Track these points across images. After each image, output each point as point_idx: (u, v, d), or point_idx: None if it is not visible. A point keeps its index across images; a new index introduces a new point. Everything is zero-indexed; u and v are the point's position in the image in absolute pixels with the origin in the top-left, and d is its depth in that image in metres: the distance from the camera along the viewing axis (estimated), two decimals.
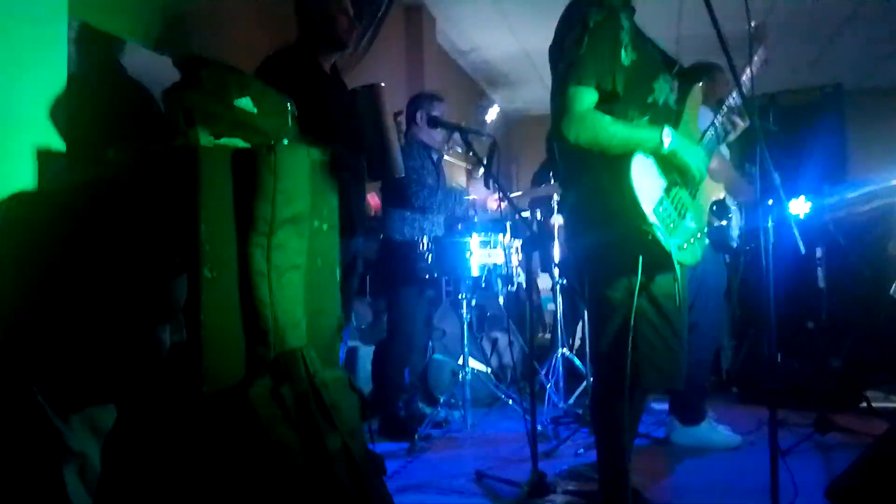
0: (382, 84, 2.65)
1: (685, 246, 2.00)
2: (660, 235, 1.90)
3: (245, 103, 2.06)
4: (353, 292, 3.10)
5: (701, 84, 2.19)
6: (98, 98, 2.42)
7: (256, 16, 3.59)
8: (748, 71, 2.21)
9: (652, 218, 1.90)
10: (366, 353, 4.21)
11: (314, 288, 2.24)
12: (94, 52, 2.52)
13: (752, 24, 2.10)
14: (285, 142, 2.13)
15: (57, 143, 2.09)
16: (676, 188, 2.03)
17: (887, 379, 4.48)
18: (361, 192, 2.99)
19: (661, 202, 1.96)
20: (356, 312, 4.64)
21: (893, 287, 4.16)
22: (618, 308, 2.00)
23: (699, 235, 2.08)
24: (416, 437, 3.41)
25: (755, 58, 2.38)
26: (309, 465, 1.89)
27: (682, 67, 2.22)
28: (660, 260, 1.93)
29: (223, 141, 1.95)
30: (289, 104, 2.22)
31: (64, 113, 2.12)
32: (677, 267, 1.95)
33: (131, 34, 2.74)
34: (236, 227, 1.95)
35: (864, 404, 3.96)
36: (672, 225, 1.97)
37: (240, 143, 2.00)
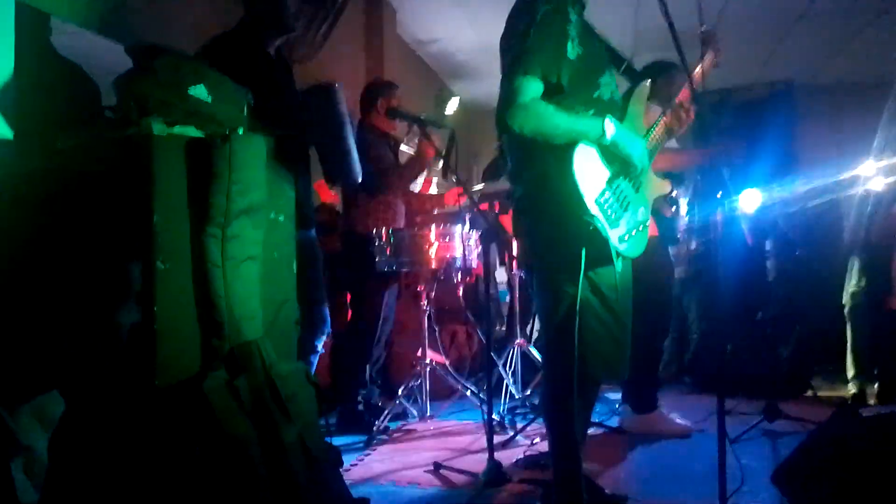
0: (338, 83, 2.61)
1: (627, 237, 2.03)
2: (601, 226, 1.93)
3: (200, 92, 2.03)
4: (319, 285, 3.03)
5: (649, 82, 2.23)
6: (40, 84, 2.34)
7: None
8: (697, 72, 2.26)
9: (593, 208, 1.93)
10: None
11: (271, 279, 2.22)
12: (32, 34, 2.41)
13: (702, 28, 2.14)
14: (241, 131, 2.11)
15: (4, 132, 2.03)
16: (620, 180, 2.06)
17: (832, 368, 4.64)
18: (309, 182, 2.95)
19: (603, 193, 1.99)
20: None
21: (846, 297, 4.29)
22: (564, 300, 2.03)
23: (641, 228, 2.11)
24: (374, 429, 3.42)
25: (704, 61, 2.44)
26: (265, 457, 1.88)
27: (631, 65, 2.26)
28: (602, 251, 1.97)
29: (177, 130, 1.92)
30: (245, 93, 2.19)
31: (11, 100, 2.06)
32: (617, 258, 1.98)
33: (72, 17, 2.63)
34: (191, 217, 1.92)
35: (811, 393, 4.10)
36: (614, 216, 2.00)
37: (194, 132, 1.97)
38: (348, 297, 4.06)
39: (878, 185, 4.04)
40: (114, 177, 1.81)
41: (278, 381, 2.05)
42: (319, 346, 2.97)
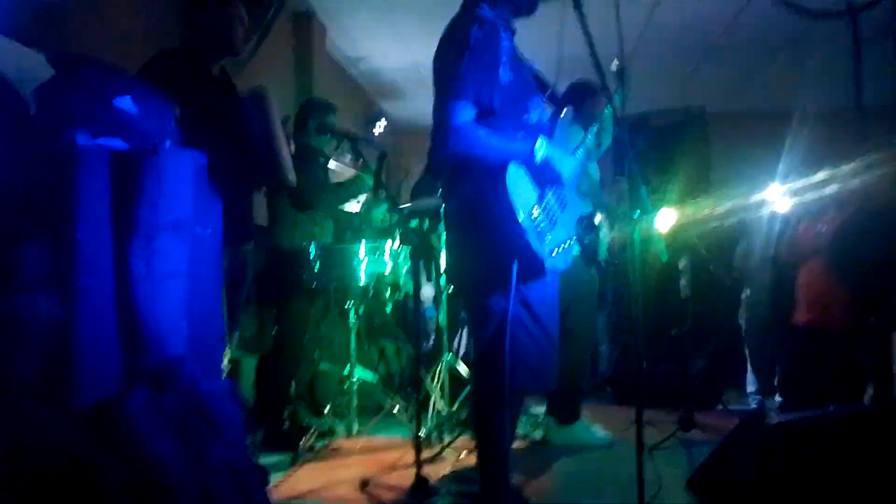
0: (265, 89, 2.62)
1: (555, 252, 2.12)
2: (532, 240, 2.00)
3: (125, 103, 2.00)
4: (242, 301, 3.03)
5: (572, 107, 2.34)
6: None
7: (132, 6, 3.42)
8: (614, 102, 2.36)
9: (525, 222, 2.00)
10: (249, 363, 4.11)
11: (196, 295, 2.19)
12: None
13: (615, 64, 2.26)
14: (168, 144, 2.09)
15: None
16: (548, 198, 2.15)
17: (742, 381, 4.87)
18: (249, 198, 2.93)
19: (533, 208, 2.07)
20: (240, 321, 4.52)
21: (742, 317, 4.53)
22: (495, 312, 2.09)
23: (568, 244, 2.21)
24: (301, 447, 3.38)
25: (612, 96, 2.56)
26: (191, 477, 1.85)
27: (555, 91, 2.36)
28: (532, 264, 2.04)
29: (102, 142, 1.89)
30: (172, 106, 2.17)
31: None
32: (548, 272, 2.06)
33: None
34: (115, 230, 1.89)
35: (722, 405, 4.30)
36: (544, 231, 2.08)
37: (120, 144, 1.94)
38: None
39: (784, 206, 4.30)
40: (34, 189, 1.77)
41: (204, 400, 2.02)
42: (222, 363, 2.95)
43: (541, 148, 2.06)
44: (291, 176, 2.69)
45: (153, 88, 2.12)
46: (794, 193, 4.27)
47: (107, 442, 1.76)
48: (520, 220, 2.00)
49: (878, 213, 3.60)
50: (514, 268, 2.02)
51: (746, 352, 4.51)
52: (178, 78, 2.50)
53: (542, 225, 2.08)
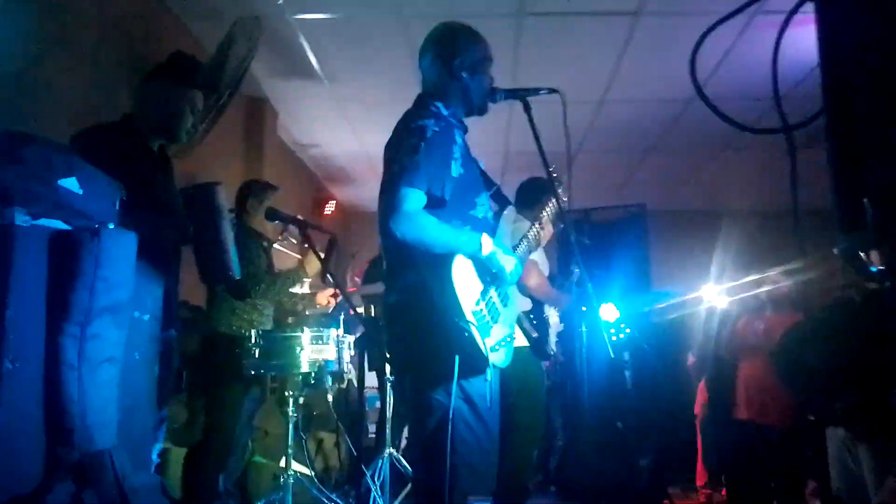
0: (220, 183, 2.60)
1: (497, 348, 2.11)
2: (476, 334, 1.99)
3: (70, 184, 1.95)
4: (169, 389, 2.89)
5: (512, 206, 2.40)
6: None
7: (87, 79, 3.39)
8: (556, 203, 2.42)
9: (469, 316, 2.00)
10: (177, 454, 3.89)
11: (129, 383, 2.09)
12: None
13: (551, 168, 2.34)
14: (111, 226, 2.04)
15: None
16: (491, 292, 2.16)
17: (687, 477, 4.87)
18: (177, 280, 2.84)
19: (477, 303, 2.07)
20: (170, 411, 4.30)
21: (698, 408, 4.58)
22: (436, 408, 2.04)
23: (509, 339, 2.20)
24: None
25: (558, 193, 2.64)
26: None
27: (499, 189, 2.42)
28: (475, 360, 2.02)
29: (42, 222, 1.83)
30: (118, 187, 2.13)
31: None
32: (490, 367, 2.04)
33: None
34: (48, 314, 1.81)
35: (667, 501, 4.26)
36: (486, 326, 2.07)
37: (60, 225, 1.88)
38: None
39: (722, 303, 4.44)
40: None
41: (131, 496, 1.90)
42: (154, 456, 2.79)
43: (487, 242, 2.09)
44: (234, 271, 2.63)
45: (98, 169, 2.07)
46: (730, 292, 4.41)
47: None
48: (464, 312, 1.99)
49: (820, 320, 3.71)
50: (457, 362, 2.00)
51: (699, 445, 4.53)
52: (114, 152, 2.43)
53: (484, 319, 2.08)
